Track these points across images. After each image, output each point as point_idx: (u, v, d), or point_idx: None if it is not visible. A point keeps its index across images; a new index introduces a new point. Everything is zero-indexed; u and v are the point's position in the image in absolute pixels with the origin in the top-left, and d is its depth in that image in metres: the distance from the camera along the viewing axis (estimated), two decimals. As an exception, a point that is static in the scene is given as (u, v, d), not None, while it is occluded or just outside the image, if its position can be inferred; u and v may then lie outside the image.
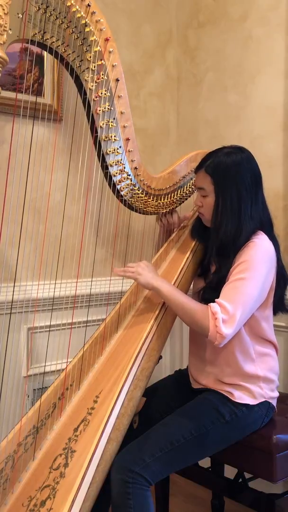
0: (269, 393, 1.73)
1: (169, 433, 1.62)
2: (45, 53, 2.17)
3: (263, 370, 1.73)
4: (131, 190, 1.88)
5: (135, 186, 1.88)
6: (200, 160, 1.81)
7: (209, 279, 1.81)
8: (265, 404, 1.72)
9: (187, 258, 1.94)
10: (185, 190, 2.07)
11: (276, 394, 1.78)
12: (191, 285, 1.96)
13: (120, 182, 1.84)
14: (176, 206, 2.07)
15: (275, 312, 1.82)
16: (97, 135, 1.75)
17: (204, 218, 1.83)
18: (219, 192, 1.73)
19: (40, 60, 2.23)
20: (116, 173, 1.82)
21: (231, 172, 1.72)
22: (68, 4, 1.57)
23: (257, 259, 1.65)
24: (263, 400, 1.71)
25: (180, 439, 1.60)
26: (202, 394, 1.77)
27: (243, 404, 1.68)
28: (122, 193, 1.87)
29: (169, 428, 1.64)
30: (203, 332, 1.61)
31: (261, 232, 1.72)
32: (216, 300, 1.62)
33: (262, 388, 1.72)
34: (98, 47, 1.66)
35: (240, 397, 1.69)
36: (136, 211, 1.98)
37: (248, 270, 1.63)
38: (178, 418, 1.68)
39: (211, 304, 1.61)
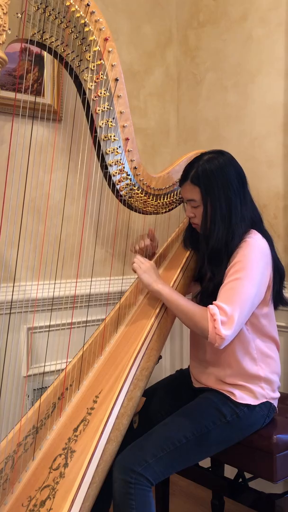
0: (271, 394, 1.73)
1: (171, 433, 1.62)
2: (44, 53, 2.16)
3: (265, 371, 1.73)
4: (131, 189, 1.88)
5: (134, 186, 1.88)
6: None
7: (205, 285, 1.81)
8: (267, 405, 1.72)
9: (182, 266, 1.94)
10: (184, 190, 2.07)
11: (277, 394, 1.77)
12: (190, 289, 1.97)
13: (119, 182, 1.84)
14: (176, 206, 2.07)
15: (275, 307, 1.81)
16: (97, 135, 1.74)
17: (199, 228, 1.82)
18: (208, 200, 1.72)
19: (39, 60, 2.22)
20: (116, 172, 1.82)
21: (217, 177, 1.71)
22: (67, 3, 1.56)
23: (251, 258, 1.65)
24: (264, 400, 1.71)
25: (182, 440, 1.60)
26: (203, 394, 1.77)
27: (245, 404, 1.68)
28: (121, 193, 1.87)
29: (171, 429, 1.64)
30: (203, 334, 1.61)
31: (254, 231, 1.72)
32: (214, 302, 1.62)
33: (263, 389, 1.71)
34: (97, 47, 1.65)
35: (242, 397, 1.69)
36: (135, 211, 1.98)
37: (244, 270, 1.62)
38: (179, 418, 1.67)
39: (210, 306, 1.61)
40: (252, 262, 1.64)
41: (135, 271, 1.80)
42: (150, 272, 1.77)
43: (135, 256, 1.84)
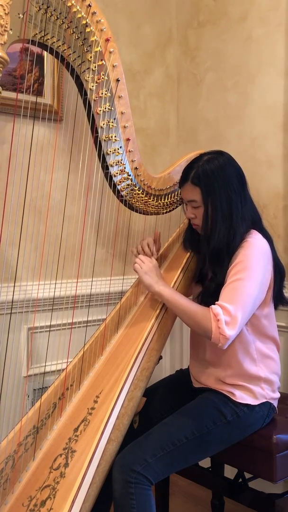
0: (270, 394, 1.73)
1: (171, 433, 1.62)
2: (45, 53, 2.16)
3: (265, 372, 1.73)
4: (132, 190, 1.88)
5: (135, 186, 1.88)
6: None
7: (206, 285, 1.81)
8: (266, 405, 1.72)
9: (183, 267, 1.94)
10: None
11: (277, 395, 1.78)
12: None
13: (120, 182, 1.84)
14: (176, 207, 2.07)
15: (276, 306, 1.82)
16: (98, 135, 1.75)
17: (199, 229, 1.82)
18: (209, 200, 1.72)
19: (40, 60, 2.22)
20: (117, 173, 1.82)
21: (218, 178, 1.71)
22: (69, 4, 1.57)
23: (252, 258, 1.65)
24: (264, 400, 1.71)
25: (182, 439, 1.60)
26: (203, 393, 1.77)
27: (244, 404, 1.68)
28: (122, 193, 1.87)
29: (171, 428, 1.64)
30: (206, 335, 1.61)
31: (254, 231, 1.73)
32: (216, 302, 1.62)
33: (263, 389, 1.72)
34: (99, 48, 1.66)
35: (242, 397, 1.69)
36: (136, 211, 1.99)
37: (246, 270, 1.63)
38: (179, 418, 1.68)
39: (213, 306, 1.61)
40: (253, 262, 1.65)
41: (136, 271, 1.80)
42: (152, 273, 1.77)
43: (136, 256, 1.84)
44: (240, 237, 1.69)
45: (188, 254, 1.98)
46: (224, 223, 1.70)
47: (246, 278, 1.62)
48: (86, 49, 1.65)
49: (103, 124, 1.74)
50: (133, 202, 1.92)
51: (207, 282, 1.80)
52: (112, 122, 1.75)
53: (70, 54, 1.63)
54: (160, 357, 1.78)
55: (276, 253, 1.78)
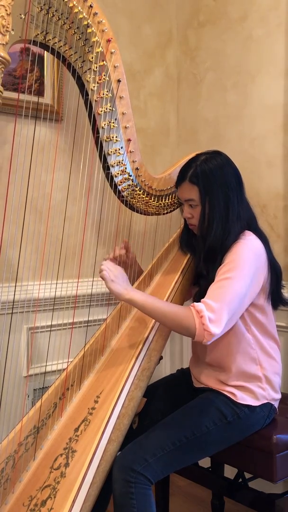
0: (272, 395, 1.73)
1: (171, 432, 1.62)
2: (45, 53, 2.17)
3: (265, 372, 1.73)
4: (132, 190, 1.88)
5: (136, 187, 1.88)
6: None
7: (201, 284, 1.80)
8: (267, 406, 1.72)
9: (183, 268, 1.94)
10: (185, 191, 2.07)
11: (278, 395, 1.77)
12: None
13: (121, 182, 1.84)
14: (177, 207, 2.07)
15: (275, 307, 1.80)
16: (99, 136, 1.75)
17: (196, 229, 1.81)
18: (206, 199, 1.72)
19: (40, 60, 2.22)
20: (118, 173, 1.82)
21: (217, 177, 1.71)
22: (71, 5, 1.57)
23: (244, 258, 1.64)
24: (265, 401, 1.71)
25: (182, 439, 1.60)
26: (204, 393, 1.77)
27: (245, 405, 1.68)
28: (123, 193, 1.87)
29: (171, 428, 1.64)
30: (189, 333, 1.58)
31: (248, 232, 1.72)
32: (201, 299, 1.60)
33: (264, 389, 1.72)
34: (100, 48, 1.66)
35: (243, 397, 1.69)
36: (137, 211, 1.99)
37: (235, 269, 1.61)
38: (179, 417, 1.68)
39: (195, 303, 1.59)
40: (244, 262, 1.64)
41: (103, 279, 1.67)
42: (118, 279, 1.66)
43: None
44: (234, 237, 1.69)
45: (189, 255, 1.98)
46: (221, 222, 1.70)
47: (235, 277, 1.60)
48: (88, 49, 1.65)
49: (104, 124, 1.74)
50: (134, 202, 1.92)
51: (201, 282, 1.80)
52: (113, 122, 1.75)
53: (71, 55, 1.63)
54: (161, 357, 1.78)
55: (272, 253, 1.77)
